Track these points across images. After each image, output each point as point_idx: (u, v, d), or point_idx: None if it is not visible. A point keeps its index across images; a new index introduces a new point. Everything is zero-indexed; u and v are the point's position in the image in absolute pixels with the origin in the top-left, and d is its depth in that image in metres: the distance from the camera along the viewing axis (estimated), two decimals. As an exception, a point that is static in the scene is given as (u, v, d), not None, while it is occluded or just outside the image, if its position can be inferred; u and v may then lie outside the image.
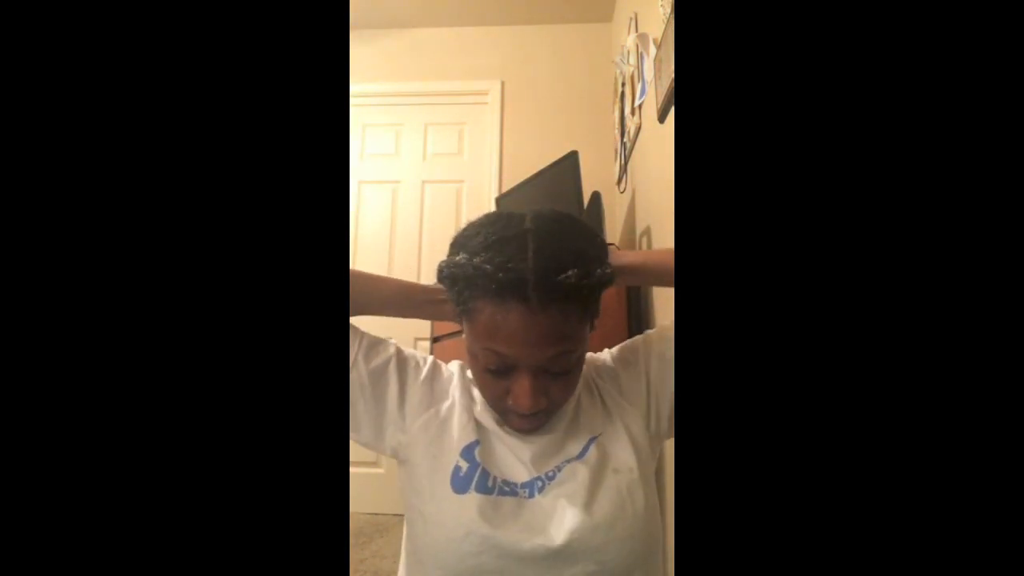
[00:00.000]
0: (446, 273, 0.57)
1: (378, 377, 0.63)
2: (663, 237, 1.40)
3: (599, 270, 0.56)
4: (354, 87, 2.66)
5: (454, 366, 0.70)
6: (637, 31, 1.76)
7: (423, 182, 2.69)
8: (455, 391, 0.66)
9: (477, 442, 0.61)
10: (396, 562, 0.67)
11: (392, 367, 0.64)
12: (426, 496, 0.59)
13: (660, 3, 1.35)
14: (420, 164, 2.71)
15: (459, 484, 0.58)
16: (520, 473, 0.60)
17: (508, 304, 0.52)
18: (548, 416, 0.61)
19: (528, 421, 0.59)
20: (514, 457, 0.61)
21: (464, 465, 0.59)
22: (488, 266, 0.53)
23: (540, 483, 0.59)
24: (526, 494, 0.58)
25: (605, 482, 0.58)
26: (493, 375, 0.57)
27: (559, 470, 0.60)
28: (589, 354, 0.72)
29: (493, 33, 2.75)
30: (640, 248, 1.69)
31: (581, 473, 0.59)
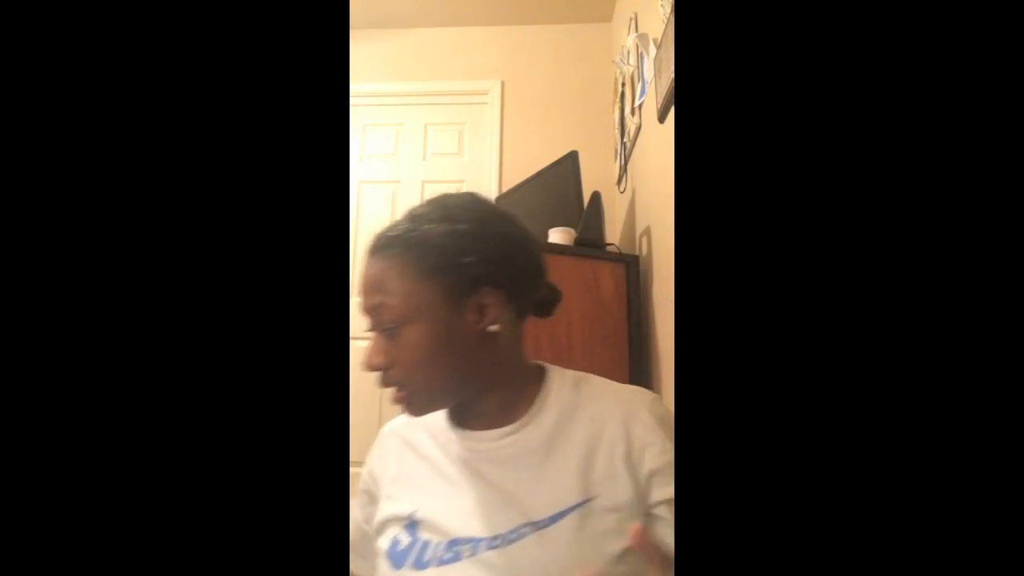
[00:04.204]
0: None
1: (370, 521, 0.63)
2: (663, 237, 1.40)
3: (435, 228, 0.56)
4: (354, 87, 2.66)
5: (387, 426, 0.68)
6: (637, 31, 1.76)
7: (423, 182, 2.69)
8: (394, 451, 0.65)
9: (415, 510, 0.58)
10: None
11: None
12: (376, 572, 0.58)
13: (660, 3, 1.35)
14: (420, 164, 2.71)
15: (397, 558, 0.56)
16: (470, 526, 0.54)
17: None
18: (405, 386, 0.56)
19: (393, 394, 0.57)
20: (458, 506, 0.56)
21: (404, 539, 0.57)
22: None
23: (496, 542, 0.53)
24: (470, 551, 0.53)
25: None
26: None
27: (521, 535, 0.53)
28: (648, 416, 0.58)
29: (493, 33, 2.75)
30: (640, 248, 1.69)
31: (550, 553, 0.51)
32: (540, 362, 0.66)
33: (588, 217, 1.60)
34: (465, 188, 2.64)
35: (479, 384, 0.59)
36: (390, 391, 0.57)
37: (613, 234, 2.23)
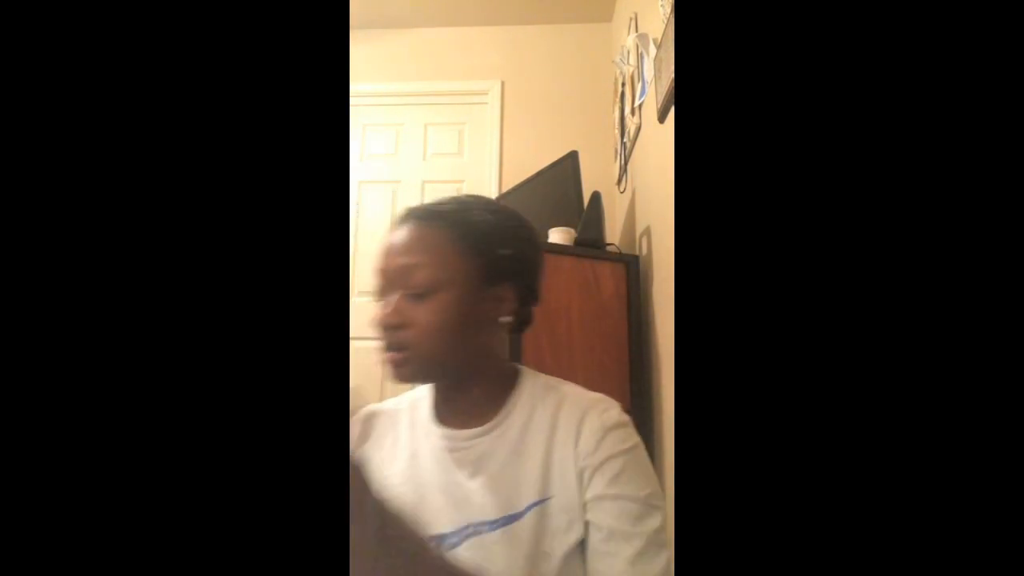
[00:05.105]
0: None
1: None
2: (663, 237, 1.40)
3: (484, 215, 0.62)
4: (354, 87, 2.66)
5: (370, 408, 0.69)
6: (637, 31, 1.76)
7: (423, 182, 2.69)
8: (379, 434, 0.66)
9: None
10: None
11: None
12: None
13: (660, 3, 1.35)
14: (420, 164, 2.71)
15: None
16: (438, 521, 0.57)
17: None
18: (409, 349, 0.58)
19: (390, 355, 0.58)
20: (430, 500, 0.59)
21: None
22: None
23: (467, 532, 0.57)
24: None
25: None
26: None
27: (478, 532, 0.56)
28: (599, 417, 0.61)
29: (493, 33, 2.75)
30: (640, 248, 1.69)
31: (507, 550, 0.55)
32: (518, 365, 0.69)
33: (588, 217, 1.61)
34: (465, 188, 2.64)
35: (469, 371, 0.62)
36: (385, 356, 0.59)
37: (613, 234, 2.23)
